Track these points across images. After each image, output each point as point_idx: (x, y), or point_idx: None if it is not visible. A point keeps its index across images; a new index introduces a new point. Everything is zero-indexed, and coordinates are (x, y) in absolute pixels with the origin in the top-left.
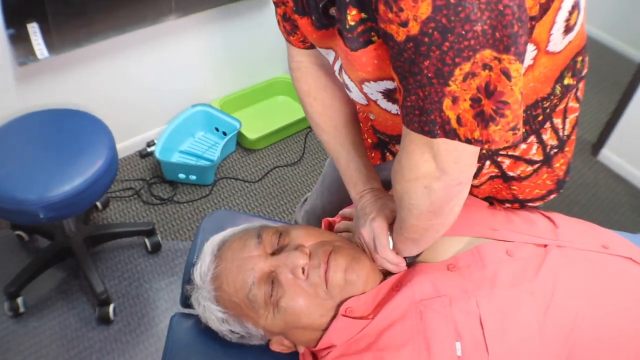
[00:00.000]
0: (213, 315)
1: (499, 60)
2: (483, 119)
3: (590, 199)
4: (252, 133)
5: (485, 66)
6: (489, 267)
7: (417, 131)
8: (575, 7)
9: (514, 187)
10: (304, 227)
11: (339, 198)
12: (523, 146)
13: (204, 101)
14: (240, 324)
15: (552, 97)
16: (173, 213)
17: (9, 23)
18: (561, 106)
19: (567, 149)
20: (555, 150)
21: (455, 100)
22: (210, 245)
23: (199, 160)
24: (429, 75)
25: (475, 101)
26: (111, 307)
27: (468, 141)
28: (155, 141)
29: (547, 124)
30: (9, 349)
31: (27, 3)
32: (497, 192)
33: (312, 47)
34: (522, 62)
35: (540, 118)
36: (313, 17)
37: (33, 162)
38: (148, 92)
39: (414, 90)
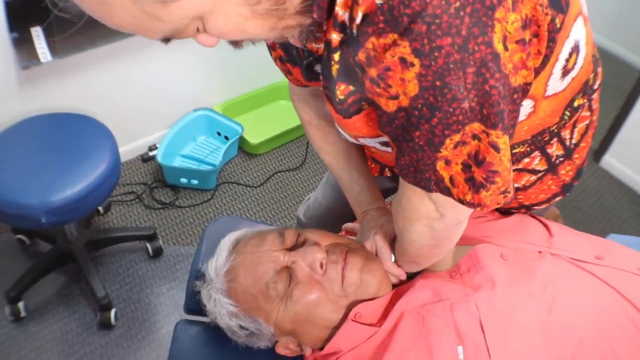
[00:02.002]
0: (224, 309)
1: (487, 134)
2: (474, 184)
3: (592, 205)
4: (254, 138)
5: (475, 137)
6: (486, 268)
7: (413, 184)
8: (573, 52)
9: (519, 197)
10: (320, 230)
11: (344, 197)
12: (526, 160)
13: (206, 105)
14: (251, 318)
15: (560, 122)
16: (175, 217)
17: (12, 27)
18: (570, 122)
19: (575, 155)
20: (562, 159)
21: (448, 162)
22: (227, 241)
23: (201, 165)
24: (421, 143)
25: (466, 166)
26: (112, 312)
27: (461, 201)
28: (157, 145)
29: (554, 140)
30: (10, 354)
31: (30, 7)
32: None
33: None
34: (508, 133)
35: (546, 139)
36: (301, 70)
37: (35, 167)
38: (150, 96)
39: (407, 152)
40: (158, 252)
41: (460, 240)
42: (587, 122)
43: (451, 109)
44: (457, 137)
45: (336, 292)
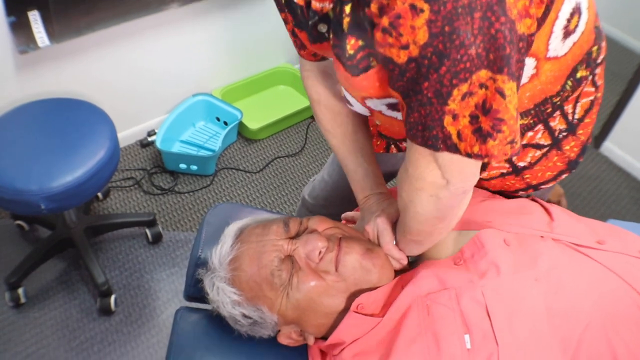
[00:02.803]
0: (227, 297)
1: (494, 80)
2: (481, 134)
3: (592, 191)
4: (253, 123)
5: (482, 85)
6: (490, 254)
7: (421, 145)
8: (574, 12)
9: (526, 176)
10: (322, 217)
11: None
12: (530, 133)
13: (205, 90)
14: (254, 307)
15: (562, 92)
16: (174, 203)
17: (10, 11)
18: (574, 95)
19: (580, 131)
20: (565, 133)
21: (455, 117)
22: (232, 229)
23: (200, 151)
24: (429, 95)
25: (473, 118)
26: (112, 298)
27: (468, 155)
28: (156, 130)
29: (557, 113)
30: (10, 340)
31: None
32: (510, 187)
33: (323, 59)
34: (515, 80)
35: (549, 110)
36: (307, 32)
37: (34, 152)
38: (149, 81)
39: (416, 108)
40: (157, 238)
41: (462, 224)
42: (591, 97)
43: (459, 56)
44: (464, 88)
45: (332, 278)
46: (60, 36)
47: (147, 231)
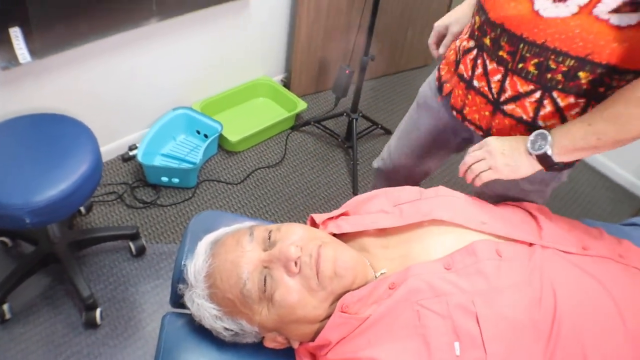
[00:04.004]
0: (207, 312)
1: None
2: None
3: (569, 193)
4: (233, 135)
5: None
6: (482, 263)
7: None
8: None
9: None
10: (293, 224)
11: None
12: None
13: (185, 104)
14: (234, 320)
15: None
16: (157, 216)
17: None
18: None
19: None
20: None
21: None
22: (203, 245)
23: (182, 163)
24: None
25: None
26: (98, 311)
27: None
28: (137, 145)
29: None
30: None
31: (9, 7)
32: (506, 133)
33: None
34: None
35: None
36: None
37: (17, 167)
38: (130, 95)
39: None
40: (141, 251)
41: (461, 221)
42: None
43: None
44: None
45: (314, 288)
46: (42, 52)
47: (131, 244)
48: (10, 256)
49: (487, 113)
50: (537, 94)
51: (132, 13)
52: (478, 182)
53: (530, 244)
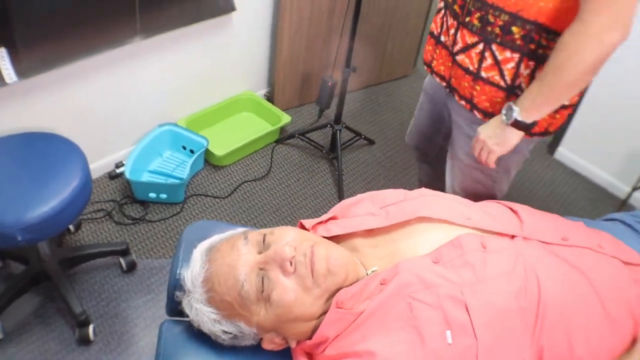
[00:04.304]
0: (206, 316)
1: None
2: None
3: (549, 195)
4: (219, 150)
5: None
6: (468, 255)
7: None
8: None
9: (477, 87)
10: (286, 227)
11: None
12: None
13: (170, 120)
14: (232, 323)
15: None
16: (146, 232)
17: None
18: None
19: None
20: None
21: None
22: (198, 251)
23: (169, 179)
24: None
25: None
26: (91, 327)
27: None
28: (124, 162)
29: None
30: None
31: None
32: (459, 83)
33: None
34: None
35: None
36: None
37: (7, 186)
38: (115, 113)
39: None
40: (132, 267)
41: (448, 216)
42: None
43: None
44: None
45: (309, 286)
46: (28, 72)
47: (121, 260)
48: (0, 276)
49: (449, 64)
50: (480, 46)
51: (116, 32)
52: (490, 165)
53: (513, 236)
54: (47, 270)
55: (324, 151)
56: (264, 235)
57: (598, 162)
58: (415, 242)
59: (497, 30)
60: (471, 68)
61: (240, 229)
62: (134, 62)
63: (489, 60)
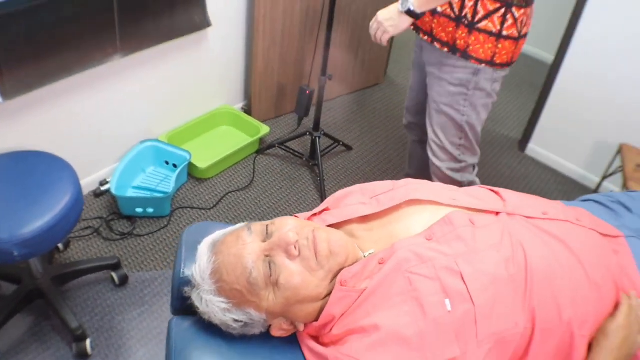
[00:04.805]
0: (216, 307)
1: None
2: None
3: (524, 190)
4: (202, 162)
5: None
6: (459, 230)
7: None
8: None
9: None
10: (286, 217)
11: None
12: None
13: (152, 136)
14: (243, 311)
15: None
16: (135, 246)
17: None
18: None
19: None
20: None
21: None
22: (204, 246)
23: (154, 194)
24: None
25: None
26: (88, 341)
27: None
28: (108, 180)
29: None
30: None
31: None
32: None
33: None
34: None
35: None
36: None
37: (1, 204)
38: (98, 131)
39: None
40: (124, 280)
41: (436, 198)
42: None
43: None
44: None
45: (313, 267)
46: (12, 93)
47: (113, 274)
48: None
49: (451, 29)
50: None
51: (97, 50)
52: (381, 43)
53: (497, 213)
54: (40, 288)
55: (304, 158)
56: (266, 225)
57: (567, 155)
58: (408, 224)
59: None
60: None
61: (242, 223)
62: (115, 80)
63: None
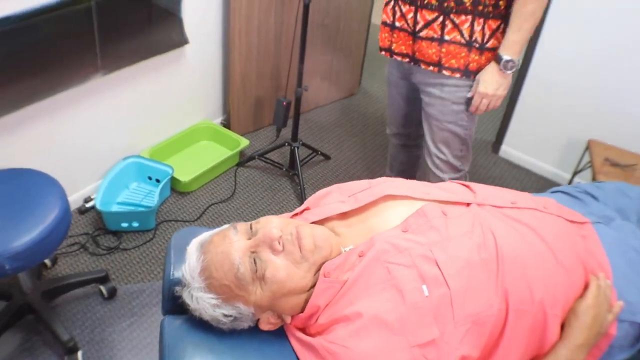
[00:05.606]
0: (206, 303)
1: None
2: None
3: None
4: (184, 176)
5: None
6: (432, 221)
7: None
8: None
9: (443, 50)
10: (269, 216)
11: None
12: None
13: (134, 152)
14: (232, 305)
15: None
16: (122, 260)
17: None
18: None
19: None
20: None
21: None
22: (193, 247)
23: (138, 209)
24: None
25: None
26: (79, 353)
27: None
28: (92, 197)
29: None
30: None
31: None
32: (424, 54)
33: None
34: None
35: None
36: None
37: None
38: (80, 150)
39: None
40: (112, 293)
41: (410, 192)
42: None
43: None
44: None
45: (297, 260)
46: None
47: (102, 288)
48: None
49: (410, 42)
50: (440, 18)
51: (79, 70)
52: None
53: (468, 204)
54: (30, 303)
55: (284, 169)
56: (251, 224)
57: (539, 155)
58: (385, 218)
59: (452, 3)
60: (435, 36)
61: (227, 224)
62: (97, 98)
63: (449, 26)
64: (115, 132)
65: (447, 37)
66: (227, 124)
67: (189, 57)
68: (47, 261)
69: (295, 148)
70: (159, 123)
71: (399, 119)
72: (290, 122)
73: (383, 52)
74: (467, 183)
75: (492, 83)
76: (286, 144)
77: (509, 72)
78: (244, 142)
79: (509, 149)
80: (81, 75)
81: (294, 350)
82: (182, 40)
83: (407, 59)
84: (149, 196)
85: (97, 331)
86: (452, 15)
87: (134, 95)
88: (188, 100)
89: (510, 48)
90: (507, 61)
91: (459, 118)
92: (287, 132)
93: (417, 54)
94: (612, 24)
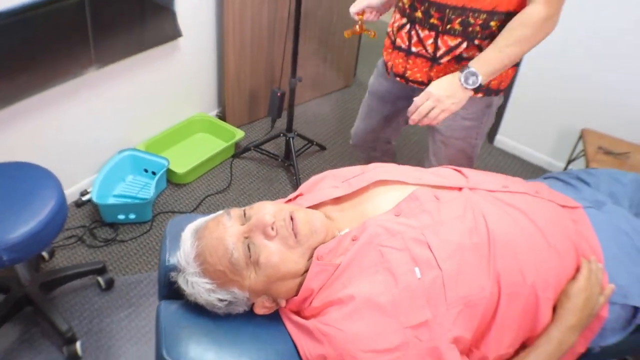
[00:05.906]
0: (201, 287)
1: None
2: None
3: None
4: (180, 168)
5: None
6: (425, 205)
7: None
8: None
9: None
10: (263, 202)
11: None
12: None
13: (130, 145)
14: (226, 290)
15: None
16: (119, 252)
17: None
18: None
19: None
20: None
21: None
22: (187, 233)
23: (135, 201)
24: None
25: None
26: (78, 343)
27: None
28: (88, 190)
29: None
30: None
31: None
32: (440, 75)
33: None
34: None
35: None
36: None
37: None
38: (76, 143)
39: None
40: (110, 284)
41: (403, 178)
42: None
43: None
44: None
45: (291, 245)
46: None
47: (99, 279)
48: None
49: (426, 69)
50: (464, 45)
51: (72, 63)
52: (435, 122)
53: (460, 189)
54: (28, 295)
55: (280, 159)
56: (244, 210)
57: (534, 144)
58: (378, 203)
59: (478, 28)
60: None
61: (221, 211)
62: (91, 91)
63: (472, 51)
64: (111, 126)
65: (463, 54)
66: (222, 116)
67: (183, 50)
68: (44, 254)
69: (291, 139)
70: (154, 116)
71: (367, 133)
72: (285, 113)
73: (398, 78)
74: (459, 168)
75: (446, 88)
76: (281, 134)
77: (467, 86)
78: (239, 133)
79: (504, 139)
80: (75, 69)
81: (289, 333)
82: (175, 33)
83: (423, 87)
84: (145, 188)
85: (95, 322)
86: (476, 41)
87: (128, 89)
88: (183, 92)
89: (480, 64)
90: (470, 73)
91: (467, 135)
92: (282, 124)
93: (433, 78)
94: (605, 13)
